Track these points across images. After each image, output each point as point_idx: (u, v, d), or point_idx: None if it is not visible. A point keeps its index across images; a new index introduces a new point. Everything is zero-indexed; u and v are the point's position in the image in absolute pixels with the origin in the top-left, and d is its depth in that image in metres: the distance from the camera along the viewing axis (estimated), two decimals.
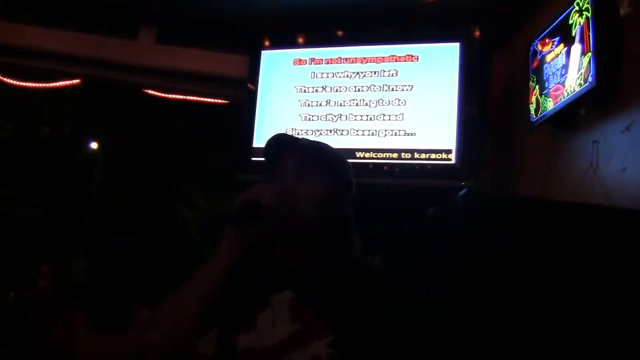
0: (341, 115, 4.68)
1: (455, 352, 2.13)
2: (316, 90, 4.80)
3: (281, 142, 1.74)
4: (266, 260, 1.63)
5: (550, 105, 3.80)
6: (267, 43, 5.04)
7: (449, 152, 4.37)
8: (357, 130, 4.61)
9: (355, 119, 4.64)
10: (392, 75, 4.66)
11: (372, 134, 4.57)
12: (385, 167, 4.49)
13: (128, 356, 2.57)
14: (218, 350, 1.56)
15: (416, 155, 4.44)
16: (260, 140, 4.81)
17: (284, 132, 4.62)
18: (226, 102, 5.70)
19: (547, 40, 3.91)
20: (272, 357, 1.52)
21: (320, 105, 4.76)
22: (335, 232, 1.67)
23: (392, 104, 4.60)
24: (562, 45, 3.72)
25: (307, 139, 1.79)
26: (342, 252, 1.67)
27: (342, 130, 4.64)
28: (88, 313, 2.83)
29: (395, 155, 4.49)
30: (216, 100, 5.72)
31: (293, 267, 1.63)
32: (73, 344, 2.79)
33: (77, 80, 5.72)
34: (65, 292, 3.28)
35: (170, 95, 5.71)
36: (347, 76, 4.76)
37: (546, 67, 3.90)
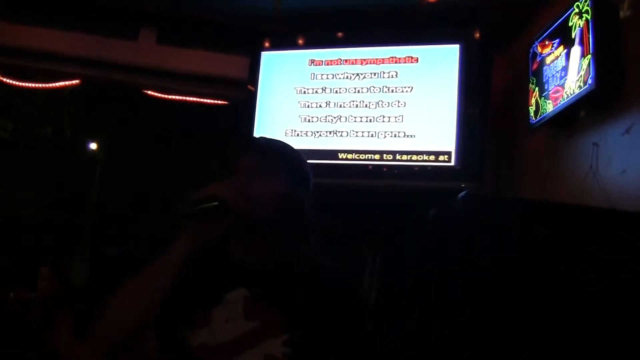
0: (341, 116, 4.68)
1: (452, 352, 2.14)
2: (316, 92, 4.79)
3: (240, 142, 1.79)
4: (221, 256, 1.64)
5: (549, 107, 3.80)
6: (267, 44, 5.04)
7: (448, 154, 4.36)
8: (356, 132, 4.61)
9: (355, 121, 4.64)
10: (392, 77, 4.66)
11: (372, 136, 4.57)
12: (385, 169, 4.49)
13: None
14: (170, 346, 1.57)
15: (416, 157, 4.44)
16: None
17: (284, 133, 4.68)
18: (226, 103, 5.69)
19: (547, 42, 3.91)
20: (226, 355, 1.53)
21: (320, 106, 4.75)
22: (291, 228, 1.68)
23: (391, 105, 4.60)
24: (562, 47, 3.72)
25: (266, 138, 1.81)
26: (297, 247, 1.69)
27: (342, 132, 4.64)
28: (72, 319, 2.85)
29: (394, 156, 4.49)
30: (216, 101, 5.72)
31: (247, 262, 1.65)
32: (58, 349, 2.80)
33: (77, 81, 5.72)
34: (64, 294, 3.29)
35: (170, 96, 5.71)
36: (347, 77, 4.76)
37: (546, 69, 3.90)
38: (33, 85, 5.85)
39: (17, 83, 5.76)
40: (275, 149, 1.75)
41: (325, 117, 4.72)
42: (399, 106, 4.58)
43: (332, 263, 1.70)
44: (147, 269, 1.58)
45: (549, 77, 3.85)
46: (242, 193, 1.59)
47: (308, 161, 1.91)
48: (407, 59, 4.71)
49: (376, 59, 4.76)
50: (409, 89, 4.60)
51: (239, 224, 1.60)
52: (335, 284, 1.65)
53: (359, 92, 4.70)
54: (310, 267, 1.67)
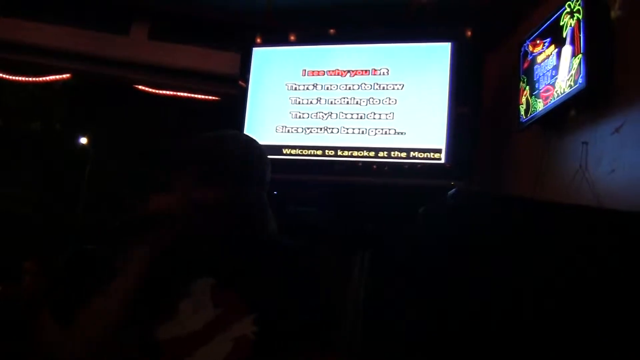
0: (331, 113, 4.68)
1: (442, 350, 2.14)
2: (307, 88, 4.79)
3: (180, 150, 1.79)
4: (182, 248, 1.67)
5: (540, 106, 3.81)
6: (258, 40, 5.03)
7: (438, 151, 4.37)
8: (347, 129, 4.61)
9: (346, 117, 4.64)
10: (383, 74, 4.66)
11: (362, 133, 4.57)
12: (375, 166, 4.49)
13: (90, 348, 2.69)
14: (139, 345, 1.58)
15: (406, 154, 4.44)
16: None
17: (274, 129, 4.68)
18: (217, 98, 5.69)
19: (538, 42, 3.92)
20: (198, 343, 1.55)
21: (311, 103, 4.75)
22: (244, 221, 1.70)
23: (382, 102, 4.60)
24: (552, 46, 3.73)
25: (217, 134, 1.80)
26: (255, 233, 1.71)
27: (332, 129, 4.63)
28: (50, 307, 2.87)
29: (384, 154, 4.49)
30: (207, 97, 5.71)
31: (208, 252, 1.67)
32: (40, 339, 2.82)
33: (68, 75, 5.70)
34: (48, 288, 3.30)
35: (161, 92, 5.69)
36: (338, 74, 4.76)
37: (537, 68, 3.91)
38: (24, 79, 5.83)
39: (7, 77, 5.74)
40: (213, 153, 1.73)
41: (316, 113, 4.72)
42: (389, 103, 4.58)
43: (290, 241, 1.73)
44: (111, 285, 1.60)
45: (539, 76, 3.86)
46: (185, 202, 1.63)
47: (271, 157, 1.88)
48: (398, 56, 4.72)
49: (367, 56, 4.77)
50: (400, 87, 4.60)
51: (188, 230, 1.64)
52: (292, 259, 1.68)
53: (350, 89, 4.70)
54: (270, 249, 1.70)
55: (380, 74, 4.67)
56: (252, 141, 1.82)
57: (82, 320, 1.61)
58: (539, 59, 3.89)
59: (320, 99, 4.74)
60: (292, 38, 4.96)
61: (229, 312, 1.56)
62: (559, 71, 3.62)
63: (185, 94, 5.70)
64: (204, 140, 1.78)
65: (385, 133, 4.54)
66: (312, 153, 4.56)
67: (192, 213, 1.63)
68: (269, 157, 1.86)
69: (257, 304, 1.57)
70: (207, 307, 1.58)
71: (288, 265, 1.65)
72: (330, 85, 4.75)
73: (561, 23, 3.61)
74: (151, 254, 1.60)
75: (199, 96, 5.71)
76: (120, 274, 1.60)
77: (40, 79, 5.79)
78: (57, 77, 5.72)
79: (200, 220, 1.65)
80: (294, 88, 4.83)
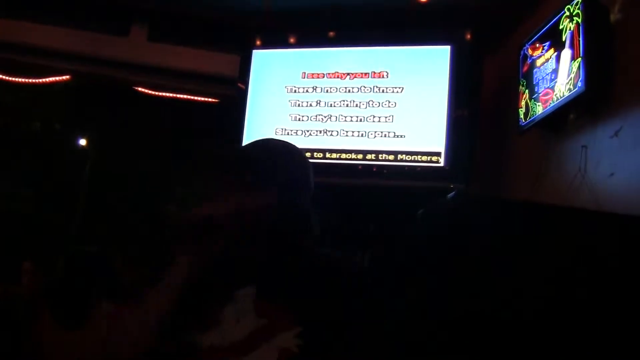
0: (331, 116, 4.69)
1: (440, 352, 2.14)
2: (306, 91, 4.80)
3: (225, 156, 1.76)
4: (227, 254, 1.64)
5: (539, 109, 3.81)
6: (258, 42, 5.04)
7: (438, 154, 4.38)
8: (346, 131, 4.62)
9: (345, 120, 4.65)
10: (383, 77, 4.67)
11: (362, 135, 4.58)
12: (374, 169, 4.50)
13: (89, 350, 2.70)
14: (180, 351, 1.56)
15: (405, 157, 4.45)
16: (250, 139, 4.76)
17: (274, 131, 4.68)
18: (216, 100, 5.68)
19: (537, 45, 3.92)
20: (239, 353, 1.52)
21: (311, 105, 4.76)
22: (290, 231, 1.68)
23: (382, 105, 4.61)
24: (552, 50, 3.73)
25: (262, 142, 1.79)
26: (299, 245, 1.69)
27: (332, 131, 4.64)
28: (51, 309, 2.88)
29: (384, 156, 4.50)
30: (206, 99, 5.71)
31: (252, 262, 1.65)
32: (40, 339, 2.83)
33: (67, 77, 5.70)
34: (47, 288, 3.30)
35: (160, 93, 5.69)
36: (338, 77, 4.76)
37: (536, 72, 3.91)
38: (23, 80, 5.82)
39: (7, 78, 5.73)
40: (261, 160, 1.72)
41: (316, 116, 4.72)
42: (389, 106, 4.59)
43: (335, 253, 1.70)
44: (153, 292, 1.58)
45: (539, 80, 3.86)
46: (231, 210, 1.59)
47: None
48: (397, 59, 4.72)
49: (367, 59, 4.77)
50: (399, 90, 4.61)
51: (235, 240, 1.60)
52: (339, 273, 1.65)
53: (349, 91, 4.71)
54: (314, 260, 1.67)
55: (379, 77, 4.68)
56: (296, 148, 1.81)
57: (116, 331, 1.60)
58: (539, 62, 3.89)
59: (320, 101, 4.75)
60: (291, 40, 4.97)
61: (274, 323, 1.53)
62: (558, 75, 3.62)
63: (185, 96, 5.70)
64: (251, 147, 1.76)
65: (385, 136, 4.54)
66: (312, 155, 4.56)
67: (238, 221, 1.60)
68: None
69: (303, 317, 1.54)
70: (250, 316, 1.56)
71: (335, 279, 1.62)
72: (330, 87, 4.76)
73: (561, 27, 3.62)
74: (194, 264, 1.58)
75: (198, 98, 5.71)
76: (162, 283, 1.58)
77: (40, 80, 5.78)
78: (57, 78, 5.72)
79: (247, 228, 1.62)
80: (293, 90, 4.84)
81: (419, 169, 4.41)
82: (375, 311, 1.62)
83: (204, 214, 1.57)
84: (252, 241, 1.64)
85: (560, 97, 3.56)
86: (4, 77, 5.71)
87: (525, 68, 4.08)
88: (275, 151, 1.75)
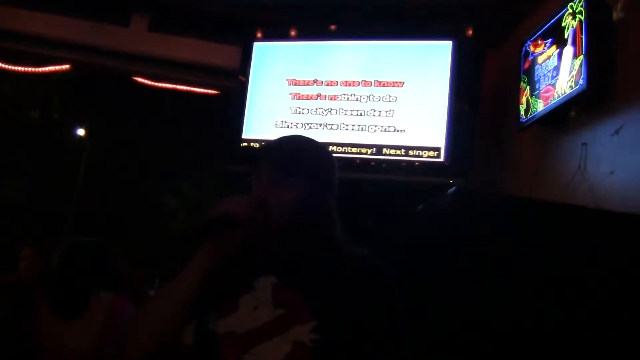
0: (331, 109, 4.68)
1: (439, 348, 2.14)
2: (307, 84, 4.79)
3: (252, 150, 1.77)
4: (248, 245, 1.64)
5: (540, 106, 3.81)
6: (259, 35, 5.03)
7: (438, 149, 4.37)
8: (346, 125, 4.61)
9: (346, 114, 4.64)
10: (384, 71, 4.66)
11: (362, 129, 4.57)
12: (373, 163, 4.49)
13: (89, 340, 2.78)
14: (197, 336, 1.57)
15: (405, 152, 4.44)
16: (249, 131, 4.80)
17: (274, 124, 4.67)
18: (216, 92, 5.68)
19: (539, 42, 3.92)
20: (254, 341, 1.53)
21: (311, 98, 4.75)
22: (312, 227, 1.68)
23: (382, 100, 4.60)
24: (554, 47, 3.73)
25: (290, 137, 1.79)
26: (322, 240, 1.68)
27: (332, 125, 4.64)
28: (48, 299, 2.89)
29: (382, 151, 4.49)
30: (206, 91, 5.70)
31: (274, 251, 1.65)
32: (38, 329, 2.83)
33: (67, 66, 5.69)
34: (44, 276, 3.30)
35: (160, 84, 5.69)
36: (339, 70, 4.76)
37: (537, 69, 3.91)
38: (23, 69, 5.82)
39: (6, 66, 5.72)
40: (288, 154, 1.72)
41: (316, 109, 4.71)
42: (389, 101, 4.58)
43: (359, 250, 1.70)
44: (173, 283, 1.59)
45: (540, 77, 3.86)
46: (255, 206, 1.59)
47: None
48: (399, 53, 4.72)
49: (368, 53, 4.77)
50: (400, 84, 4.60)
51: (257, 235, 1.60)
52: (362, 271, 1.65)
53: (350, 85, 4.70)
54: (338, 256, 1.67)
55: (380, 71, 4.67)
56: (323, 145, 1.81)
57: (139, 322, 1.61)
58: (540, 59, 3.88)
59: (320, 94, 4.74)
60: (292, 33, 4.96)
61: (290, 315, 1.53)
62: (559, 72, 3.62)
63: (184, 87, 5.69)
64: (277, 142, 1.76)
65: (385, 130, 4.53)
66: None
67: (263, 216, 1.60)
68: None
69: (320, 312, 1.53)
70: (268, 305, 1.56)
71: (355, 277, 1.61)
72: (331, 81, 4.75)
73: (563, 24, 3.61)
74: (215, 257, 1.58)
75: (198, 89, 5.71)
76: (184, 273, 1.59)
77: (40, 69, 5.78)
78: (57, 67, 5.71)
79: (271, 222, 1.61)
80: (294, 83, 4.83)
81: (418, 163, 4.40)
82: (393, 313, 1.61)
83: (227, 208, 1.56)
84: (275, 234, 1.64)
85: (562, 95, 3.56)
86: (3, 65, 5.71)
87: (527, 65, 4.07)
88: (303, 148, 1.75)
